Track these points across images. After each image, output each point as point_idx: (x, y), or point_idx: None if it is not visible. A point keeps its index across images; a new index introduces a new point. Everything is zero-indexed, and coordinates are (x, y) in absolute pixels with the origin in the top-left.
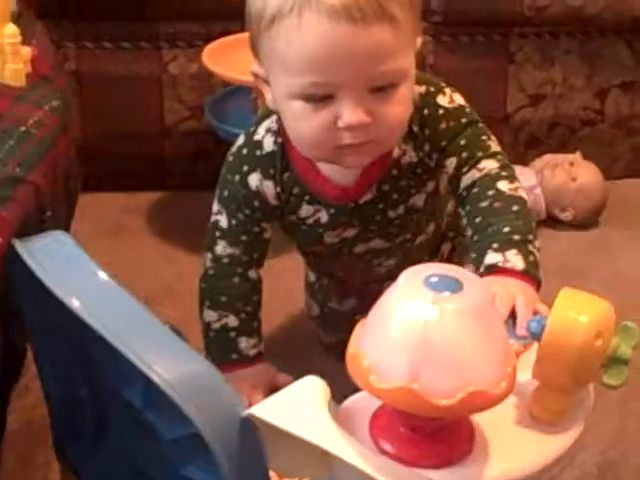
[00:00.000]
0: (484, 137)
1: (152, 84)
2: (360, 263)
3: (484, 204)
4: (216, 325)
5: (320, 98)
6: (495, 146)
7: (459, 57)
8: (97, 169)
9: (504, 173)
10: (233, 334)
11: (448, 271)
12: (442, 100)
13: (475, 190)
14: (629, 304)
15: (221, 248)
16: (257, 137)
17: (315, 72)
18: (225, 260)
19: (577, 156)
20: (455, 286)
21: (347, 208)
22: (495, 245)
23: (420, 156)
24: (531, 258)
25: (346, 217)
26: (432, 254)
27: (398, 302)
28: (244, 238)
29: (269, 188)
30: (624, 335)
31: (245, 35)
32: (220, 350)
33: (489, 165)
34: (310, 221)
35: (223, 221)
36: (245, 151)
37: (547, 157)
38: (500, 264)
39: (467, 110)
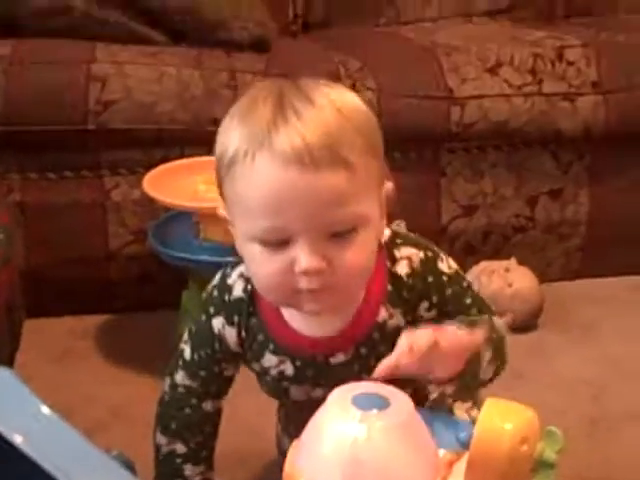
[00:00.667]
0: (481, 298)
1: (95, 211)
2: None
3: (476, 319)
4: (164, 449)
5: (277, 243)
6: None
7: (392, 173)
8: (43, 295)
9: (504, 332)
10: (179, 460)
11: (375, 389)
12: (442, 266)
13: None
14: (568, 404)
15: (180, 377)
16: (229, 281)
17: (270, 217)
18: (181, 389)
19: (512, 262)
20: (381, 403)
21: (315, 363)
22: (463, 325)
23: (408, 319)
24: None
25: (313, 372)
26: None
27: (328, 421)
28: (203, 374)
29: (231, 335)
30: (548, 440)
31: (184, 161)
32: (166, 474)
33: (497, 321)
34: (274, 372)
35: (187, 352)
36: (215, 293)
37: (483, 264)
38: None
39: (462, 273)
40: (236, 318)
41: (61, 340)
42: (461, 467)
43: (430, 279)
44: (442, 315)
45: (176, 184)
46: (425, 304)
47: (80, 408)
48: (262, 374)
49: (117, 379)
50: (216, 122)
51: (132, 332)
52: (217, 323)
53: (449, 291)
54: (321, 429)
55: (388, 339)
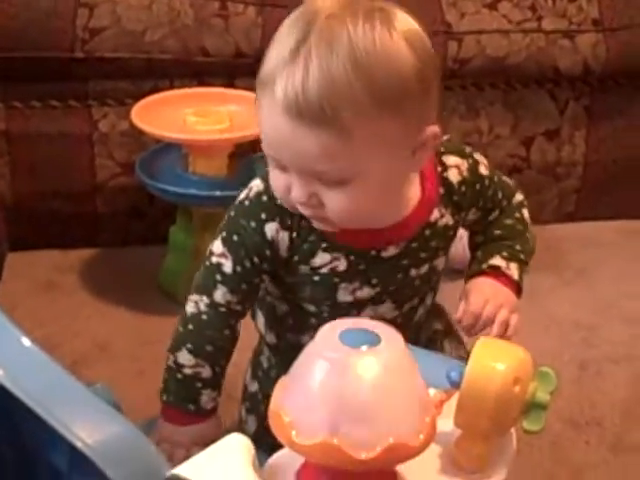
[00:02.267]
0: (504, 179)
1: (82, 142)
2: None
3: (509, 222)
4: (188, 371)
5: (279, 166)
6: (510, 181)
7: None
8: (29, 227)
9: (525, 203)
10: (199, 385)
11: (364, 325)
12: (484, 171)
13: (503, 212)
14: (564, 345)
15: (220, 294)
16: (257, 183)
17: (269, 147)
18: (222, 309)
19: None
20: (371, 340)
21: (368, 256)
22: (505, 254)
23: (456, 219)
24: (523, 275)
25: (365, 266)
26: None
27: (315, 359)
28: (244, 287)
29: (284, 240)
30: (541, 381)
31: (173, 92)
32: (180, 396)
33: (519, 198)
34: (325, 270)
35: (227, 266)
36: (265, 198)
37: None
38: (503, 269)
39: (492, 169)
40: (289, 221)
41: (46, 273)
42: (451, 406)
43: (478, 186)
44: (484, 213)
45: (165, 115)
46: (473, 209)
47: (65, 341)
48: (310, 275)
49: (103, 313)
50: (206, 52)
51: (119, 267)
52: (271, 229)
53: (490, 192)
54: (307, 366)
55: (438, 235)
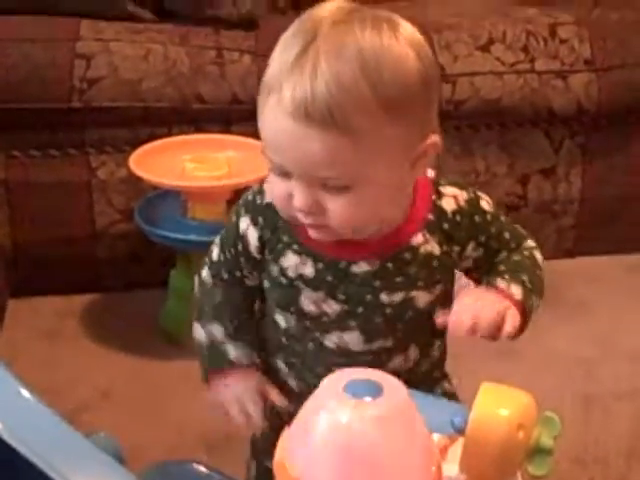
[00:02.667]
0: (515, 225)
1: (81, 189)
2: (322, 368)
3: (516, 258)
4: (203, 338)
5: (281, 173)
6: (523, 230)
7: None
8: (30, 274)
9: (538, 249)
10: (219, 343)
11: (368, 375)
12: (486, 206)
13: (511, 253)
14: (567, 382)
15: (205, 274)
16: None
17: (272, 153)
18: (208, 280)
19: None
20: (375, 391)
21: (337, 267)
22: (506, 276)
23: (444, 250)
24: (530, 302)
25: (332, 277)
26: None
27: (320, 409)
28: (225, 276)
29: (253, 237)
30: (545, 426)
31: (171, 139)
32: (208, 362)
33: (531, 244)
34: (291, 273)
35: (214, 253)
36: (250, 197)
37: None
38: (502, 287)
39: (498, 209)
40: (260, 220)
41: (48, 319)
42: (456, 452)
43: (477, 219)
44: (488, 253)
45: (163, 162)
46: (472, 244)
47: (66, 388)
48: (278, 277)
49: (104, 359)
50: (203, 100)
51: (119, 312)
52: (243, 223)
53: (493, 229)
54: (313, 418)
55: (419, 262)
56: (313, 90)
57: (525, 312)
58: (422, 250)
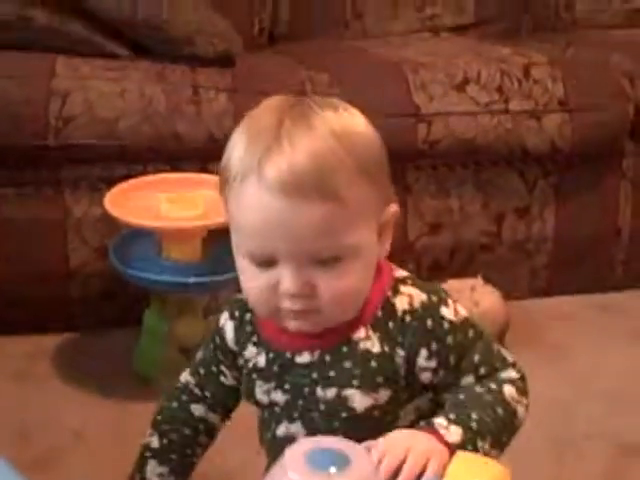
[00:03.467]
0: (495, 348)
1: (56, 227)
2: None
3: (478, 390)
4: (143, 442)
5: (263, 262)
6: (508, 355)
7: None
8: (1, 313)
9: (519, 384)
10: (148, 454)
11: (332, 444)
12: (446, 312)
13: (478, 381)
14: (538, 424)
15: (183, 375)
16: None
17: (254, 240)
18: (179, 385)
19: (478, 280)
20: (340, 461)
21: (284, 357)
22: (451, 416)
23: (384, 350)
24: (469, 447)
25: (279, 368)
26: None
27: (283, 479)
28: (202, 371)
29: (229, 329)
30: None
31: (147, 178)
32: (134, 467)
33: (509, 375)
34: (250, 364)
35: (199, 353)
36: (236, 294)
37: (449, 283)
38: (437, 426)
39: (472, 322)
40: (237, 313)
41: (19, 360)
42: None
43: (429, 323)
44: (446, 369)
45: (138, 201)
46: (424, 352)
47: (38, 432)
48: (242, 369)
49: (77, 401)
50: (179, 138)
51: (93, 351)
52: (223, 317)
53: (449, 339)
54: None
55: (355, 358)
56: (300, 165)
57: (452, 453)
58: (361, 346)
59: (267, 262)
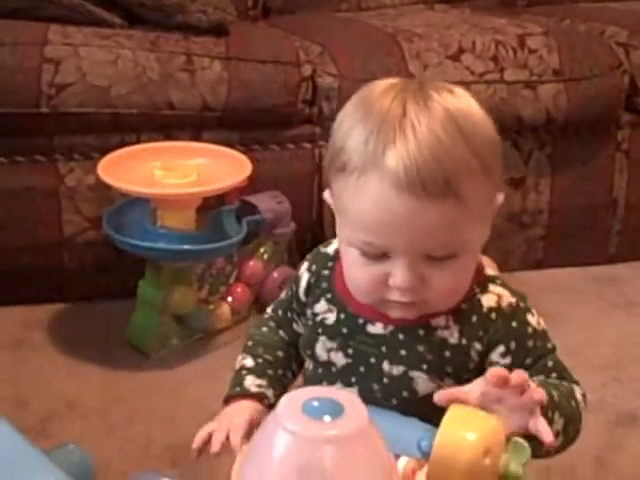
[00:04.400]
0: (565, 365)
1: (49, 197)
2: None
3: (552, 381)
4: (237, 365)
5: (375, 255)
6: (574, 375)
7: None
8: None
9: (583, 399)
10: (244, 372)
11: (328, 394)
12: (532, 319)
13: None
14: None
15: (268, 310)
16: (334, 240)
17: (372, 234)
18: (266, 315)
19: None
20: (334, 410)
21: (356, 321)
22: (534, 381)
23: (462, 342)
24: (550, 415)
25: (348, 331)
26: None
27: (278, 430)
28: (280, 312)
29: (304, 279)
30: (514, 452)
31: (140, 146)
32: (231, 385)
33: (576, 387)
34: (318, 319)
35: (283, 293)
36: (320, 246)
37: None
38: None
39: (549, 336)
40: (314, 267)
41: (14, 330)
42: (423, 476)
43: (514, 324)
44: (516, 366)
45: (132, 170)
46: (501, 348)
47: (34, 399)
48: (309, 319)
49: (71, 370)
50: (172, 106)
51: (87, 322)
52: (302, 267)
53: (530, 343)
54: (270, 439)
55: (430, 344)
56: (426, 163)
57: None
58: (438, 333)
59: (379, 255)
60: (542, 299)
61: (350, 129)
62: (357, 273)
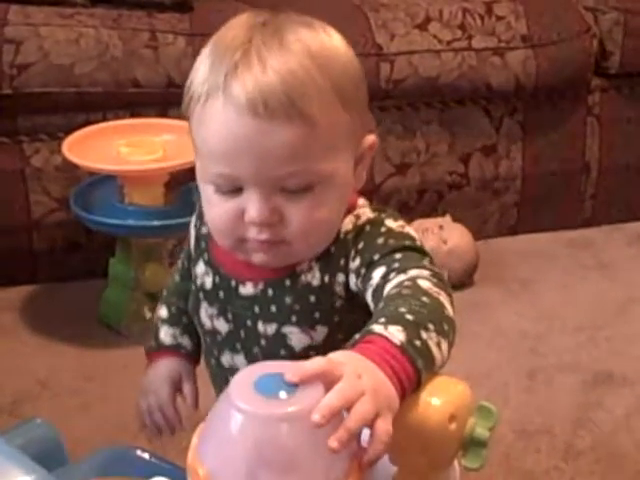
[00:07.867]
0: (424, 260)
1: (15, 178)
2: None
3: (393, 291)
4: (155, 318)
5: (229, 189)
6: (433, 266)
7: None
8: None
9: (433, 279)
10: (159, 323)
11: (280, 369)
12: (391, 223)
13: (394, 287)
14: (512, 356)
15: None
16: (205, 211)
17: (221, 163)
18: (178, 264)
19: (446, 219)
20: (288, 386)
21: (229, 284)
22: (382, 319)
23: (324, 282)
24: (417, 342)
25: (224, 295)
26: None
27: (230, 409)
28: (186, 263)
29: (192, 235)
30: (481, 416)
31: (105, 124)
32: (149, 339)
33: (419, 273)
34: (198, 282)
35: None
36: None
37: (417, 222)
38: (377, 331)
39: (415, 238)
40: (198, 222)
41: None
42: None
43: (367, 228)
44: (367, 267)
45: (98, 148)
46: (352, 253)
47: (6, 380)
48: (193, 282)
49: (44, 350)
50: (137, 83)
51: (59, 302)
52: (192, 220)
53: (380, 240)
54: (222, 417)
55: (296, 293)
56: (269, 83)
57: (407, 357)
58: (302, 279)
59: (233, 189)
60: (518, 264)
61: (198, 64)
62: (214, 212)
